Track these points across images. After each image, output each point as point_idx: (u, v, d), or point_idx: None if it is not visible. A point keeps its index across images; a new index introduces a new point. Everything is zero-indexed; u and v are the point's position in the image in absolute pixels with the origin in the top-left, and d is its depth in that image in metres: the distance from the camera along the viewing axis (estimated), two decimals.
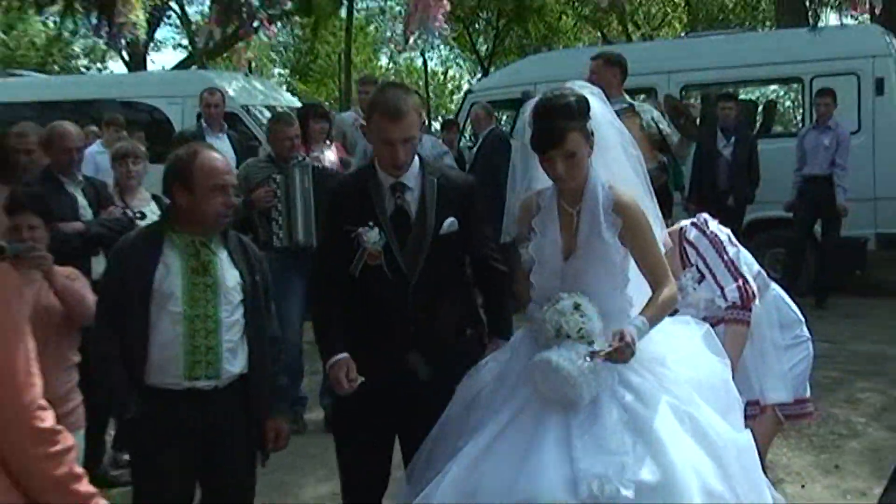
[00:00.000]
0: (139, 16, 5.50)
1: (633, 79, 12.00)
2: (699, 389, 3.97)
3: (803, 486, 5.54)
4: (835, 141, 10.91)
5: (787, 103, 23.08)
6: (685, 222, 4.92)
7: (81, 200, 6.61)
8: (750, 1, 20.09)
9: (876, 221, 11.35)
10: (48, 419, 2.57)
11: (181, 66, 23.71)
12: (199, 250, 4.07)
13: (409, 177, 4.15)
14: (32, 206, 4.76)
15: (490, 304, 4.49)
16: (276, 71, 38.22)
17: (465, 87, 35.90)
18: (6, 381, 2.50)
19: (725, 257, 4.74)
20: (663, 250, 4.17)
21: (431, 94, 32.70)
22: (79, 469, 2.64)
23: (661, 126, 6.24)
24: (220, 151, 8.68)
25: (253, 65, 20.17)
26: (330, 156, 8.30)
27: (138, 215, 6.44)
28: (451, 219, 4.15)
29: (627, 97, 7.30)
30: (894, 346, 8.49)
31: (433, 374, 4.15)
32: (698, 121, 10.29)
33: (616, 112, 4.78)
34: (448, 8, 4.11)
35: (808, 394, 5.01)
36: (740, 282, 4.66)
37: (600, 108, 4.10)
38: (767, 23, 18.88)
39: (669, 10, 23.94)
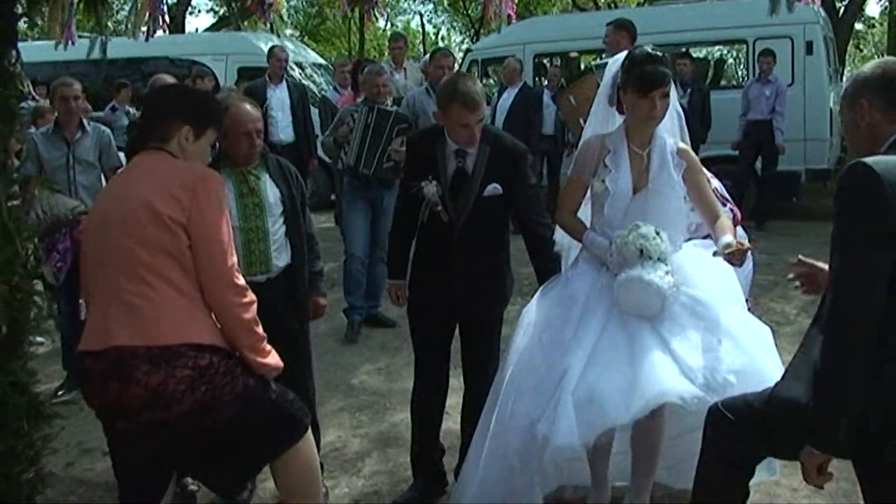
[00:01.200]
0: None
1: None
2: (732, 294, 4.02)
3: None
4: (774, 92, 11.42)
5: (732, 61, 23.46)
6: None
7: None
8: None
9: (805, 158, 11.84)
10: (241, 279, 3.28)
11: (213, 28, 23.85)
12: (246, 177, 4.25)
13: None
14: None
15: (536, 260, 4.40)
16: (288, 31, 37.97)
17: (455, 46, 35.94)
18: (218, 248, 3.21)
19: (711, 186, 4.59)
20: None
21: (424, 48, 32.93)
22: (256, 316, 3.35)
23: None
24: (277, 98, 9.34)
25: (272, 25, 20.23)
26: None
27: None
28: (493, 185, 4.22)
29: None
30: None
31: (472, 297, 4.30)
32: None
33: (601, 64, 5.17)
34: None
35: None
36: (729, 204, 4.78)
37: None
38: None
39: None
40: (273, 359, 3.38)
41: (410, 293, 4.54)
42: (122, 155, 6.51)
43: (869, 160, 2.64)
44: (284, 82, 10.29)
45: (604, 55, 13.10)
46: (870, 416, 2.62)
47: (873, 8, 29.40)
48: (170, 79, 7.45)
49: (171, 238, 3.11)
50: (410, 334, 4.58)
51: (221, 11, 25.95)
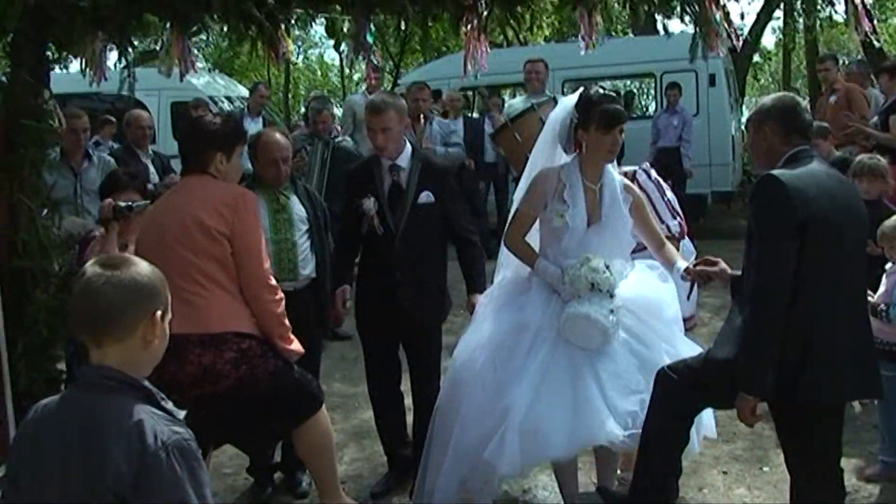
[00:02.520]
0: None
1: (523, 75, 13.29)
2: (670, 323, 4.42)
3: None
4: (681, 121, 12.38)
5: (641, 93, 24.74)
6: (632, 168, 5.23)
7: (151, 168, 7.68)
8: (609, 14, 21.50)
9: (711, 182, 12.81)
10: (273, 280, 3.98)
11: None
12: (277, 196, 4.80)
13: (403, 159, 4.74)
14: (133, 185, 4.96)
15: (466, 267, 4.83)
16: (199, 65, 37.97)
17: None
18: (255, 254, 3.92)
19: (665, 199, 5.15)
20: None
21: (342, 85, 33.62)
22: (284, 310, 4.05)
23: None
24: (254, 129, 9.90)
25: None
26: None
27: None
28: (426, 192, 4.66)
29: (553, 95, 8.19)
30: None
31: (415, 305, 4.71)
32: None
33: (542, 101, 5.80)
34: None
35: None
36: (679, 218, 5.14)
37: None
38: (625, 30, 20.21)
39: (538, 17, 24.72)
40: (296, 345, 4.11)
41: (357, 304, 4.96)
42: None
43: (774, 172, 3.50)
44: (260, 116, 11.01)
45: (522, 89, 13.95)
46: (786, 360, 3.40)
47: (769, 39, 31.23)
48: (144, 114, 8.09)
49: (217, 247, 3.84)
50: (361, 343, 5.07)
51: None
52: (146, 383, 2.26)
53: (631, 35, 14.18)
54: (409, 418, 5.22)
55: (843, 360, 3.47)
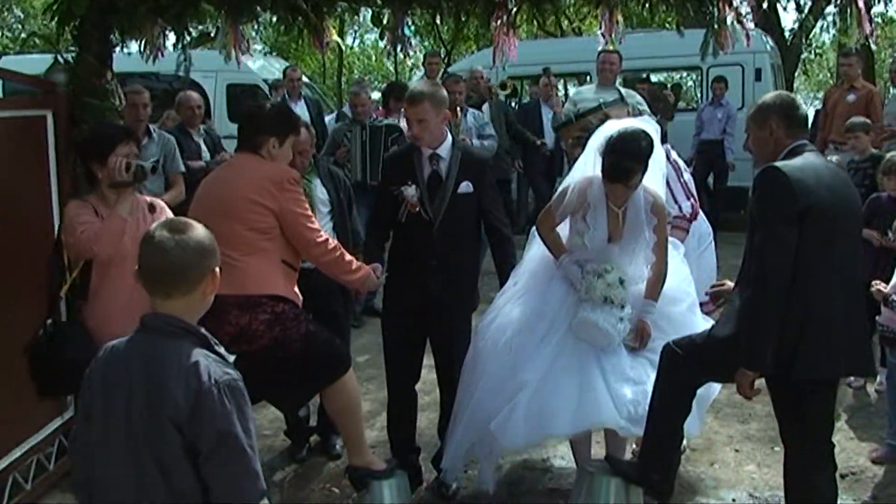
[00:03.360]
0: None
1: (578, 65, 13.41)
2: (685, 311, 4.67)
3: None
4: (726, 115, 12.45)
5: (690, 84, 24.80)
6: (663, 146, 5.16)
7: (203, 147, 7.99)
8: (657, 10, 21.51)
9: (753, 175, 12.93)
10: (323, 236, 4.38)
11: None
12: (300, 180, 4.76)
13: (444, 149, 4.78)
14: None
15: (500, 262, 4.93)
16: (257, 48, 38.38)
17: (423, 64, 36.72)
18: (303, 223, 4.32)
19: (682, 180, 5.22)
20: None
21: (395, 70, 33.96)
22: (342, 252, 4.45)
23: (642, 108, 6.35)
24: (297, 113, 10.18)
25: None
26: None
27: None
28: (465, 182, 4.75)
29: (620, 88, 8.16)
30: None
31: (445, 294, 4.75)
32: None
33: (610, 102, 5.88)
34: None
35: None
36: (692, 200, 5.21)
37: (654, 139, 4.50)
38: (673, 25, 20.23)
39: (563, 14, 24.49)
40: (361, 272, 4.52)
41: (386, 294, 5.02)
42: None
43: (777, 163, 3.77)
44: (302, 99, 11.22)
45: (575, 79, 14.08)
46: (784, 339, 3.66)
47: (826, 37, 31.01)
48: (194, 94, 8.43)
49: (262, 219, 4.20)
50: (383, 338, 5.04)
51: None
52: (203, 330, 2.63)
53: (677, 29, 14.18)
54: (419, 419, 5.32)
55: (837, 339, 3.73)
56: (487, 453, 4.65)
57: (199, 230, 2.62)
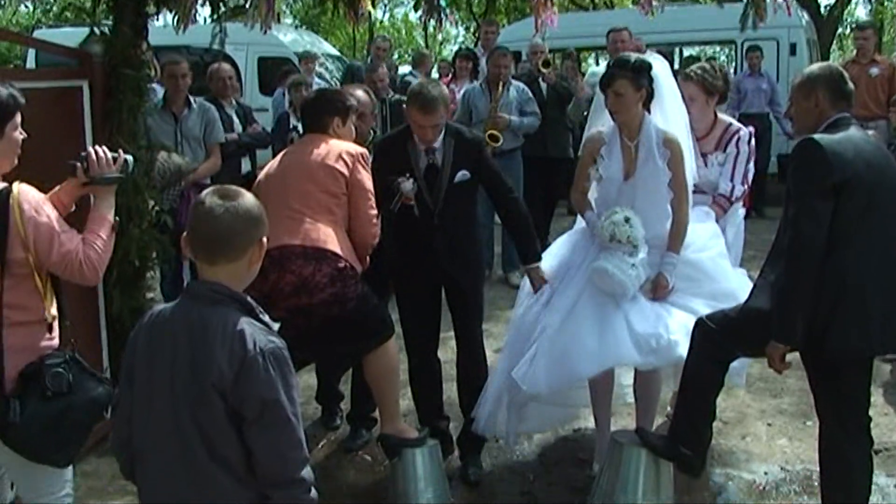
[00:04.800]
0: None
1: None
2: (716, 259, 4.78)
3: None
4: (770, 86, 12.17)
5: (723, 58, 24.58)
6: (745, 128, 5.38)
7: (235, 119, 8.03)
8: None
9: (788, 148, 12.83)
10: (377, 219, 4.51)
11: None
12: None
13: (438, 140, 4.73)
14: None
15: (517, 235, 4.97)
16: (288, 21, 38.53)
17: (452, 40, 36.74)
18: (366, 197, 4.50)
19: (747, 166, 5.25)
20: (691, 173, 4.78)
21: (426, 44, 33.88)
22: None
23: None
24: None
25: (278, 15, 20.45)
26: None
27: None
28: (462, 171, 4.74)
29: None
30: None
31: (455, 272, 4.83)
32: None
33: None
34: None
35: None
36: (746, 187, 5.25)
37: (663, 73, 4.78)
38: None
39: None
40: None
41: (397, 270, 5.00)
42: None
43: (815, 136, 3.74)
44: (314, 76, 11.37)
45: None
46: (817, 313, 3.66)
47: (861, 11, 30.64)
48: (225, 66, 8.46)
49: (334, 183, 4.40)
50: (399, 312, 5.03)
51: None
52: (248, 298, 2.65)
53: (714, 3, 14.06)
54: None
55: (872, 315, 3.70)
56: (518, 409, 4.76)
57: (248, 198, 2.65)
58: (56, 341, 3.42)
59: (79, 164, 3.58)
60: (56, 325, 3.42)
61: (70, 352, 3.42)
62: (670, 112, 4.82)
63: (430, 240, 4.77)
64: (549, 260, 4.88)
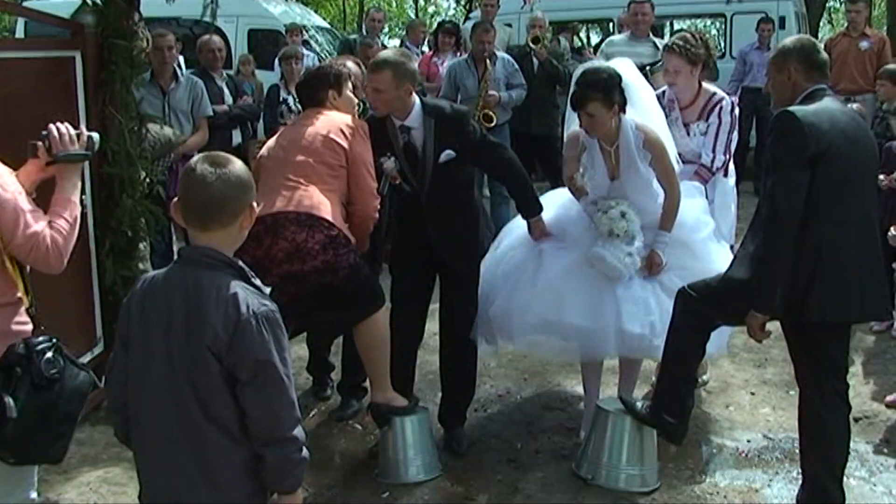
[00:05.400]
0: None
1: (599, 11, 13.35)
2: (705, 240, 4.87)
3: None
4: None
5: (714, 31, 24.57)
6: (728, 97, 5.48)
7: (226, 90, 8.08)
8: None
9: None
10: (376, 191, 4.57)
11: None
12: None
13: (413, 119, 4.67)
14: None
15: (515, 193, 4.98)
16: None
17: (442, 14, 36.60)
18: (366, 169, 4.55)
19: (730, 136, 5.33)
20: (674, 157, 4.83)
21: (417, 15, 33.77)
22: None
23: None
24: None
25: None
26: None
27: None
28: (447, 151, 4.67)
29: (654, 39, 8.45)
30: None
31: (448, 255, 4.78)
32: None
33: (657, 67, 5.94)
34: None
35: None
36: (727, 156, 5.35)
37: (632, 76, 4.80)
38: None
39: None
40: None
41: (392, 250, 5.10)
42: None
43: (791, 108, 3.83)
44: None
45: (598, 26, 13.84)
46: (796, 281, 3.76)
47: None
48: (215, 38, 8.46)
49: (333, 154, 4.46)
50: (391, 272, 5.11)
51: None
52: (240, 262, 2.72)
53: None
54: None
55: (849, 283, 3.81)
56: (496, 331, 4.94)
57: (238, 164, 2.70)
58: (30, 325, 3.25)
59: (40, 143, 3.34)
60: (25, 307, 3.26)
61: (52, 336, 3.22)
62: (643, 107, 4.84)
63: (421, 221, 4.77)
64: (547, 212, 4.92)
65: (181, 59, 8.51)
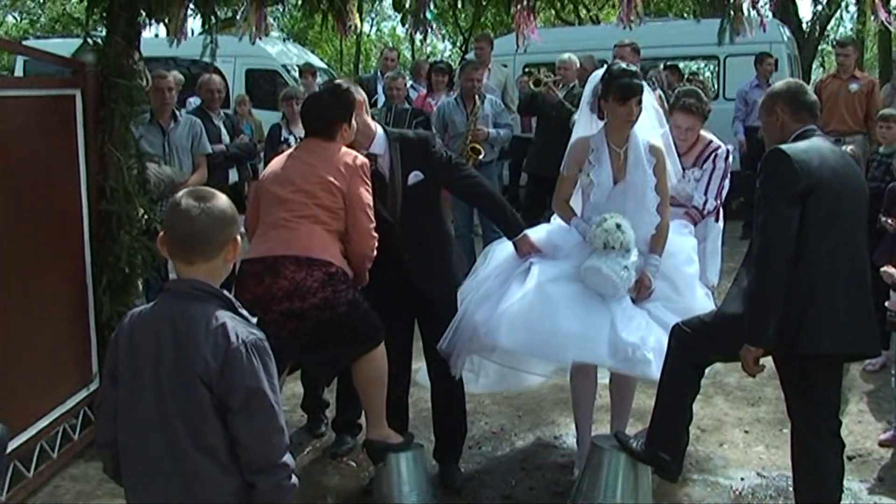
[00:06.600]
0: None
1: (597, 53, 13.45)
2: (693, 276, 4.94)
3: None
4: None
5: (708, 74, 24.81)
6: (724, 146, 5.56)
7: (223, 130, 8.11)
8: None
9: None
10: (374, 231, 4.53)
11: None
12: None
13: (377, 147, 4.75)
14: None
15: (492, 214, 5.13)
16: (274, 34, 38.55)
17: (438, 55, 36.95)
18: (365, 210, 4.47)
19: (723, 183, 5.46)
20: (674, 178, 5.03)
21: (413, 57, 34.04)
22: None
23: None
24: None
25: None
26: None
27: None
28: (414, 173, 4.73)
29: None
30: None
31: (426, 286, 4.80)
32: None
33: None
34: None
35: None
36: (718, 202, 5.49)
37: (653, 102, 5.02)
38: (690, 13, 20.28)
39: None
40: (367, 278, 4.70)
41: (368, 287, 4.77)
42: None
43: (782, 146, 3.90)
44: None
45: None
46: (788, 315, 3.80)
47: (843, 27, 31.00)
48: (215, 77, 8.56)
49: (331, 197, 4.43)
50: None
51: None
52: (226, 293, 2.76)
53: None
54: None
55: (841, 317, 3.85)
56: (470, 341, 4.75)
57: (222, 199, 2.74)
58: None
59: None
60: None
61: None
62: (648, 123, 4.92)
63: (396, 249, 4.74)
64: (536, 234, 4.95)
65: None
